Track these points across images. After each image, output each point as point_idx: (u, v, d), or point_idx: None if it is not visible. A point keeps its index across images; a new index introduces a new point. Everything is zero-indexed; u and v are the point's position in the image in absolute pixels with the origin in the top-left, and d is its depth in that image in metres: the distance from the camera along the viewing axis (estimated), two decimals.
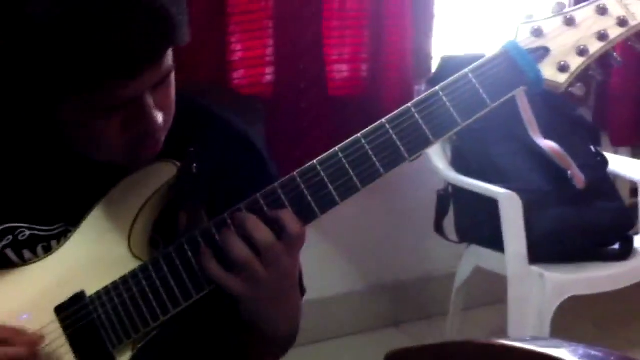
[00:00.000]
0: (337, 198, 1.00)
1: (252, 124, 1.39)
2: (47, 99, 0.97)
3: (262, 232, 0.99)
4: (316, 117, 2.41)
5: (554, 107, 2.39)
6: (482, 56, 2.41)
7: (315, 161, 1.01)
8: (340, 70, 2.50)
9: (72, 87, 0.93)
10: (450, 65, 2.43)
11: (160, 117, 1.00)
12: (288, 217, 1.00)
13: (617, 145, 2.90)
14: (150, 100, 0.98)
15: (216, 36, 2.30)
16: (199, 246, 1.02)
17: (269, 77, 2.40)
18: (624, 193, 2.57)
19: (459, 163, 2.42)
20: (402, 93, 2.49)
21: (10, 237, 1.10)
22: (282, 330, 1.11)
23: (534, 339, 0.79)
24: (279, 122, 2.39)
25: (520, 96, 2.21)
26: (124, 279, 1.03)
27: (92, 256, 1.06)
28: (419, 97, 1.03)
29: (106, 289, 1.03)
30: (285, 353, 1.19)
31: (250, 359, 1.19)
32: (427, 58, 2.59)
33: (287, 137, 2.38)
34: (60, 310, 1.04)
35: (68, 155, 1.10)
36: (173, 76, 1.03)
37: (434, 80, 2.46)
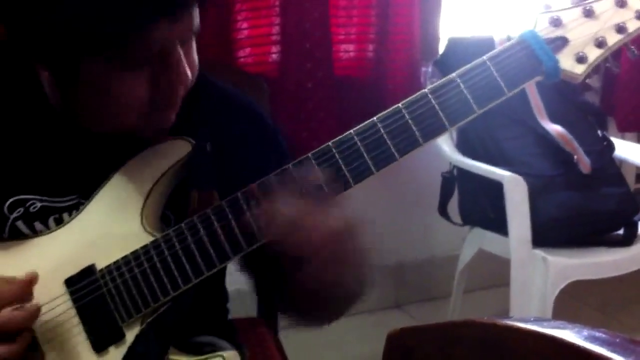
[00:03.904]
0: (351, 181, 1.00)
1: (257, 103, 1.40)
2: (80, 50, 0.94)
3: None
4: (322, 97, 2.40)
5: (562, 92, 2.38)
6: (489, 39, 2.41)
7: (330, 143, 1.01)
8: (347, 50, 2.49)
9: (115, 29, 0.91)
10: (457, 47, 2.43)
11: (189, 70, 1.00)
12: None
13: (624, 130, 2.89)
14: (180, 51, 0.98)
15: (222, 14, 2.29)
16: (211, 222, 1.02)
17: (274, 56, 2.39)
18: (630, 178, 2.57)
19: (465, 146, 2.42)
20: (409, 74, 2.48)
21: (22, 209, 1.10)
22: (343, 290, 1.08)
23: (538, 320, 0.78)
24: (284, 102, 2.38)
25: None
26: (135, 254, 1.04)
27: (103, 230, 1.07)
28: (436, 83, 1.02)
29: (117, 263, 1.04)
30: (341, 313, 1.17)
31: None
32: (435, 39, 2.57)
33: (292, 117, 2.38)
34: (70, 283, 1.04)
35: (82, 128, 1.10)
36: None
37: (440, 62, 2.46)
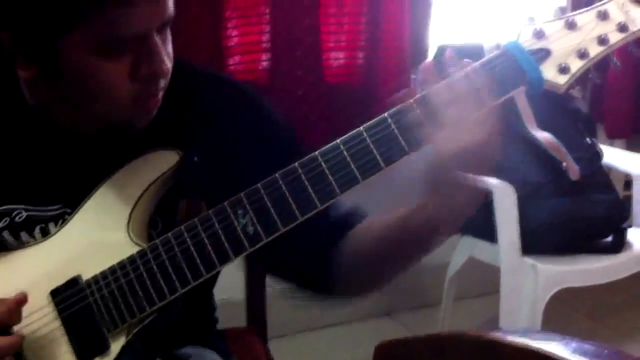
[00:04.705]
0: (337, 190, 1.00)
1: None
2: (57, 32, 0.96)
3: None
4: (312, 104, 2.40)
5: (551, 99, 2.39)
6: (479, 46, 2.41)
7: (316, 152, 1.01)
8: (337, 58, 2.49)
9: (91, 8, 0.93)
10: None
11: (167, 60, 1.01)
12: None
13: (613, 137, 2.90)
14: (158, 40, 1.00)
15: (212, 22, 2.29)
16: (199, 231, 1.02)
17: (265, 64, 2.39)
18: (618, 185, 2.57)
19: None
20: (399, 81, 2.49)
21: (7, 219, 1.10)
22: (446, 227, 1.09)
23: (527, 332, 0.79)
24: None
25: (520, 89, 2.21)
26: (121, 264, 1.03)
27: (90, 241, 1.07)
28: (422, 93, 1.02)
29: (103, 274, 1.04)
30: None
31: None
32: (424, 46, 2.58)
33: None
34: (55, 294, 1.04)
35: (65, 133, 1.10)
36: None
37: None
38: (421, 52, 2.58)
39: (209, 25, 2.28)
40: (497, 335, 0.80)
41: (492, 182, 2.21)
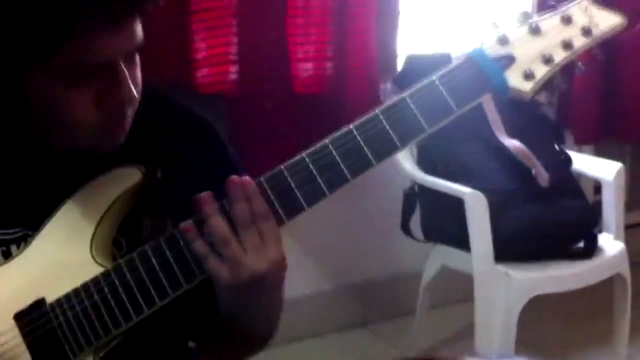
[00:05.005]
0: (304, 204, 1.00)
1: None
2: (23, 62, 0.95)
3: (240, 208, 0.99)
4: (281, 116, 2.40)
5: (519, 106, 2.40)
6: (447, 55, 2.43)
7: (282, 166, 1.01)
8: (306, 69, 2.49)
9: (56, 37, 0.92)
10: (415, 64, 2.44)
11: (133, 88, 1.00)
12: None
13: (581, 143, 2.92)
14: (124, 67, 0.98)
15: (179, 34, 2.28)
16: (163, 250, 1.01)
17: (233, 76, 2.38)
18: (588, 191, 2.59)
19: (425, 162, 2.43)
20: (368, 91, 2.49)
21: None
22: (259, 328, 1.11)
23: (500, 357, 0.78)
24: (243, 122, 2.37)
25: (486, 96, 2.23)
26: (85, 286, 1.01)
27: (53, 262, 1.04)
28: (386, 104, 1.02)
29: (67, 296, 1.01)
30: (257, 352, 1.19)
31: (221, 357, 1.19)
32: (392, 56, 2.59)
33: (252, 137, 2.37)
34: (20, 317, 1.02)
35: (26, 155, 1.08)
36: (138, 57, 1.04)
37: (399, 79, 2.47)
38: (389, 62, 2.59)
39: (176, 39, 2.27)
40: None
41: (464, 190, 2.21)
